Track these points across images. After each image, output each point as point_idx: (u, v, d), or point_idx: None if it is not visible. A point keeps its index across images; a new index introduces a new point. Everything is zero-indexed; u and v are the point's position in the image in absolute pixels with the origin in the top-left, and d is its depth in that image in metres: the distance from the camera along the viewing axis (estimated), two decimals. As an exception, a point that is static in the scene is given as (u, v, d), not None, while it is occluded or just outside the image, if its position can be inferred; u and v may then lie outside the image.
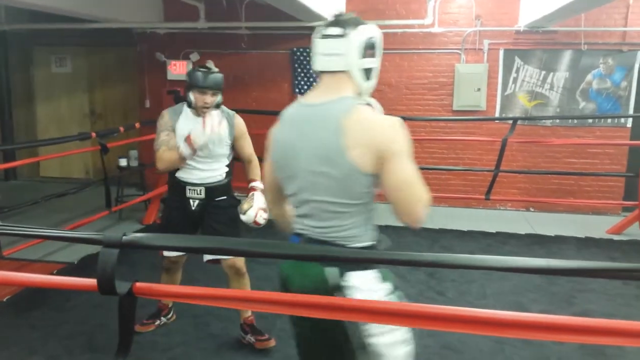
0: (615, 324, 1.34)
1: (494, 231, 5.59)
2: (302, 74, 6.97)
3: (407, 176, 1.69)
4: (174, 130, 3.03)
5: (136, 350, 2.87)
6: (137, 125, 5.75)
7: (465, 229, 5.80)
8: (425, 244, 5.34)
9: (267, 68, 7.16)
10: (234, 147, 3.18)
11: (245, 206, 2.89)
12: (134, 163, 6.33)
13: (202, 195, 3.12)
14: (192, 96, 3.02)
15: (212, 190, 3.13)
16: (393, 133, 1.64)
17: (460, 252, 5.03)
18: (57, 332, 3.42)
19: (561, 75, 6.47)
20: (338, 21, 1.76)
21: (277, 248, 1.49)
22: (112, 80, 7.91)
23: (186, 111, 3.09)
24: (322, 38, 1.75)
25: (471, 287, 4.21)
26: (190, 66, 7.20)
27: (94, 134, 5.06)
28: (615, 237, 5.59)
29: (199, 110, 3.03)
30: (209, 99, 3.01)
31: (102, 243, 1.38)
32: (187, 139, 2.91)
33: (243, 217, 2.88)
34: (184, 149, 2.92)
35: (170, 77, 7.25)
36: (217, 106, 3.07)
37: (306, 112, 1.75)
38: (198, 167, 3.09)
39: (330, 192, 1.65)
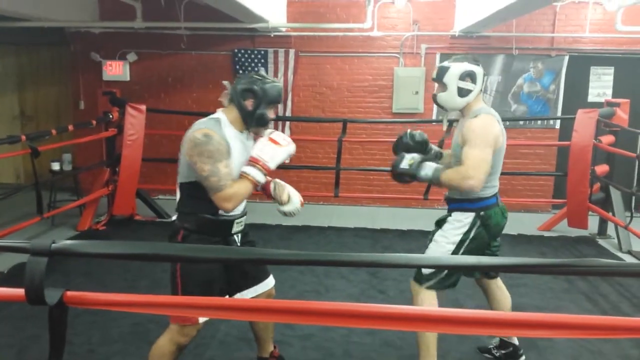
0: (545, 317, 1.40)
1: (431, 230, 5.73)
2: (244, 76, 6.91)
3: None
4: (230, 156, 2.38)
5: (71, 362, 2.76)
6: (71, 127, 5.52)
7: (405, 228, 5.93)
8: (367, 244, 5.42)
9: (208, 69, 7.06)
10: None
11: (284, 196, 2.58)
12: (68, 167, 6.10)
13: (243, 226, 2.62)
14: (268, 113, 2.47)
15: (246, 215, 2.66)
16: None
17: (400, 251, 5.14)
18: (-16, 346, 3.24)
19: (494, 79, 6.73)
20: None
21: (223, 252, 1.47)
22: (44, 80, 7.58)
23: (227, 129, 2.43)
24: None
25: (411, 285, 4.30)
26: (128, 67, 7.01)
27: (24, 137, 4.83)
28: (546, 234, 5.87)
29: (261, 129, 2.53)
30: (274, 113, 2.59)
31: (30, 251, 1.33)
32: (256, 163, 2.41)
33: (287, 208, 2.57)
34: (258, 176, 2.40)
35: (105, 77, 7.03)
36: None
37: None
38: None
39: None
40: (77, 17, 6.60)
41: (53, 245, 1.32)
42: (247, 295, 2.62)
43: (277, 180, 2.65)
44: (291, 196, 2.60)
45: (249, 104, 2.42)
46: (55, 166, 6.00)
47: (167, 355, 2.48)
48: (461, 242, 2.75)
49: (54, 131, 5.16)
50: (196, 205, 2.45)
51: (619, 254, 5.27)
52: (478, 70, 2.73)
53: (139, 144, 5.78)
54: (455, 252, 2.75)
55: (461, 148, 2.68)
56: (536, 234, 5.86)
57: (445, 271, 2.73)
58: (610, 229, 5.74)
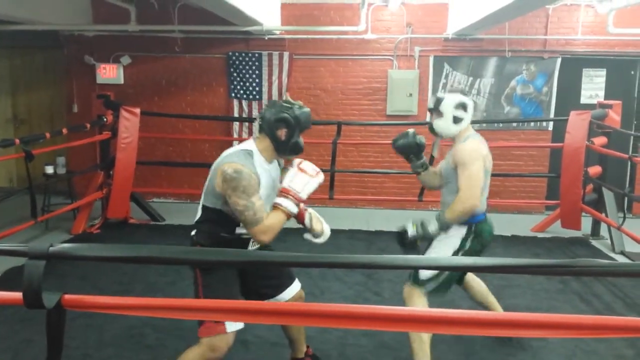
0: (540, 318, 1.42)
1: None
2: (238, 79, 6.92)
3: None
4: (259, 189, 2.40)
5: (66, 366, 2.75)
6: (65, 130, 5.50)
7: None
8: (362, 246, 5.44)
9: (202, 72, 7.06)
10: None
11: (319, 228, 2.64)
12: (62, 170, 6.06)
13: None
14: (301, 140, 2.51)
15: None
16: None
17: (395, 253, 5.14)
18: (-22, 351, 3.22)
19: (487, 81, 6.77)
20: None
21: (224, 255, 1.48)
22: (37, 83, 7.56)
23: (256, 159, 2.44)
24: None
25: (406, 287, 4.32)
26: (122, 70, 7.00)
27: (17, 141, 4.81)
28: (539, 235, 5.90)
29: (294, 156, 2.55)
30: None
31: (28, 255, 1.33)
32: (288, 193, 2.42)
33: (320, 239, 2.65)
34: (291, 207, 2.41)
35: (99, 80, 7.02)
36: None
37: None
38: None
39: None
40: (70, 20, 6.58)
41: (51, 248, 1.33)
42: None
43: (312, 211, 2.68)
44: (324, 228, 2.67)
45: (281, 133, 2.44)
46: (49, 169, 5.98)
47: None
48: (458, 249, 2.94)
49: (47, 134, 5.15)
50: (215, 226, 2.50)
51: (612, 255, 5.30)
52: (469, 101, 3.01)
53: (133, 147, 5.77)
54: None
55: (452, 169, 2.95)
56: (530, 235, 5.89)
57: (445, 275, 2.89)
58: (603, 230, 5.77)
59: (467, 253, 2.92)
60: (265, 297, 2.66)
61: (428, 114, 6.80)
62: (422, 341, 2.83)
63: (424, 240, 2.98)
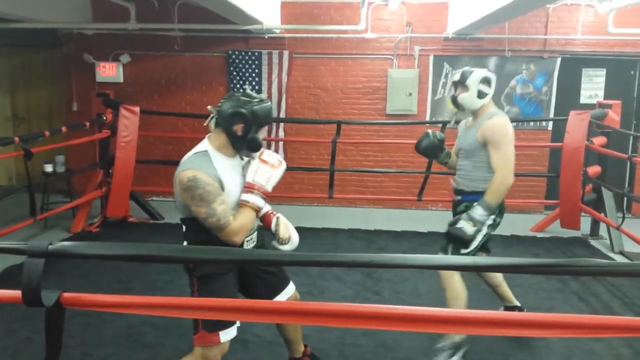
0: (539, 317, 1.42)
1: (426, 231, 5.76)
2: (238, 77, 6.92)
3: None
4: (222, 191, 2.29)
5: (65, 364, 2.75)
6: (64, 129, 5.50)
7: (399, 229, 5.95)
8: (361, 245, 5.44)
9: (202, 71, 7.06)
10: None
11: (285, 235, 2.54)
12: (61, 169, 6.06)
13: (256, 241, 2.58)
14: (259, 136, 2.38)
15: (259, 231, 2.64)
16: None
17: (394, 252, 5.16)
18: (-23, 349, 3.22)
19: (487, 81, 6.76)
20: None
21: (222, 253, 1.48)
22: (37, 82, 7.55)
23: (215, 159, 2.35)
24: None
25: (405, 286, 4.32)
26: (121, 69, 6.99)
27: (17, 139, 4.81)
28: (538, 235, 5.91)
29: (252, 153, 2.44)
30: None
31: (27, 253, 1.33)
32: (252, 188, 2.34)
33: (285, 247, 2.55)
34: (257, 201, 2.34)
35: (99, 79, 7.01)
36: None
37: None
38: None
39: None
40: (70, 19, 6.58)
41: (50, 246, 1.33)
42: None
43: (281, 216, 2.59)
44: (291, 235, 2.56)
45: (238, 129, 2.33)
46: (49, 168, 5.97)
47: None
48: (491, 225, 3.15)
49: (47, 133, 5.15)
50: (201, 233, 2.34)
51: (611, 255, 5.31)
52: (493, 77, 3.21)
53: (133, 145, 5.76)
54: (488, 230, 3.16)
55: (481, 145, 3.10)
56: (529, 235, 5.89)
57: (477, 247, 3.11)
58: (603, 230, 5.78)
59: (494, 227, 3.17)
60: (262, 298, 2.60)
61: (428, 113, 6.86)
62: (456, 300, 3.08)
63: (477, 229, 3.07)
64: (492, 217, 3.13)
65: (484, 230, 3.11)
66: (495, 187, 3.03)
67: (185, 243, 2.51)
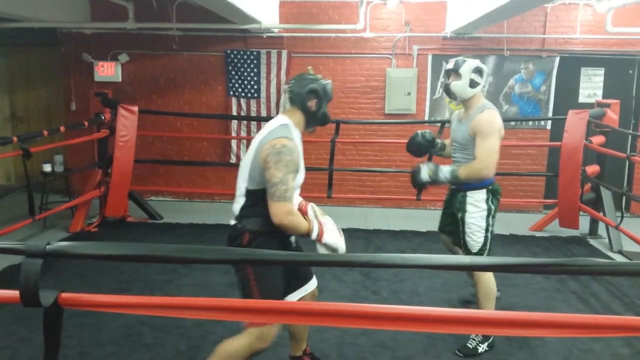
0: (537, 317, 1.42)
1: (425, 230, 5.76)
2: (237, 77, 6.92)
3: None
4: (299, 169, 2.44)
5: (64, 364, 2.75)
6: (62, 128, 5.49)
7: (397, 229, 5.95)
8: (360, 244, 5.43)
9: (200, 70, 7.05)
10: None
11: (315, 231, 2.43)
12: (59, 168, 6.06)
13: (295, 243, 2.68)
14: (328, 111, 2.59)
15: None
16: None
17: (393, 251, 5.16)
18: (-25, 349, 3.21)
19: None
20: None
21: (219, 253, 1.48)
22: (35, 81, 7.54)
23: (295, 134, 2.48)
24: None
25: (404, 285, 4.32)
26: (120, 68, 6.98)
27: (15, 138, 4.80)
28: (537, 234, 5.91)
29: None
30: None
31: (25, 253, 1.33)
32: (320, 232, 2.39)
33: (324, 248, 2.40)
34: (313, 233, 2.37)
35: (97, 78, 7.00)
36: None
37: None
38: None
39: None
40: (68, 18, 6.57)
41: (48, 246, 1.33)
42: (298, 295, 2.65)
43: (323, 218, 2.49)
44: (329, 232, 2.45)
45: (312, 104, 2.51)
46: (47, 168, 5.97)
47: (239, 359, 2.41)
48: (488, 214, 3.22)
49: (45, 132, 5.14)
50: (263, 209, 2.38)
51: (610, 254, 5.31)
52: (485, 68, 3.28)
53: (131, 145, 5.76)
54: (487, 221, 3.24)
55: (471, 138, 3.17)
56: (527, 234, 5.90)
57: (489, 238, 3.24)
58: (601, 229, 5.78)
59: (493, 212, 3.23)
60: (293, 289, 2.63)
61: (427, 112, 6.86)
62: (489, 299, 3.21)
63: (434, 185, 3.29)
64: (484, 202, 3.21)
65: (484, 223, 3.23)
66: (469, 170, 3.15)
67: (236, 221, 2.49)
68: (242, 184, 2.48)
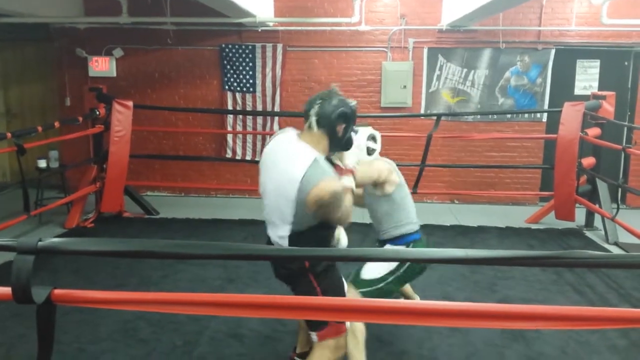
0: (533, 309, 1.42)
1: (421, 223, 5.74)
2: (232, 71, 6.89)
3: None
4: None
5: (60, 360, 2.74)
6: (57, 124, 5.46)
7: (395, 222, 5.94)
8: (356, 238, 5.42)
9: (195, 64, 7.02)
10: None
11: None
12: (55, 164, 6.03)
13: None
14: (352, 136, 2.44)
15: None
16: None
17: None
18: (-29, 346, 3.21)
19: (481, 73, 6.75)
20: None
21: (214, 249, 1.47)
22: (29, 77, 7.49)
23: (324, 162, 2.28)
24: None
25: (401, 279, 4.32)
26: (114, 63, 6.95)
27: (9, 134, 4.78)
28: (533, 226, 5.92)
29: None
30: None
31: (16, 249, 1.31)
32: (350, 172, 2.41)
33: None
34: (348, 182, 2.38)
35: (92, 73, 6.97)
36: None
37: None
38: None
39: None
40: (61, 13, 6.52)
41: (39, 243, 1.32)
42: None
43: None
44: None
45: (340, 129, 2.31)
46: (42, 163, 5.94)
47: None
48: (393, 271, 2.64)
49: (40, 128, 5.11)
50: (314, 235, 2.23)
51: (606, 246, 5.33)
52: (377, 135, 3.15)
53: (127, 140, 5.73)
54: (385, 277, 2.67)
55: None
56: (524, 227, 5.90)
57: (384, 285, 2.69)
58: (597, 221, 5.79)
59: (407, 272, 2.64)
60: None
61: (423, 105, 6.85)
62: (357, 342, 2.70)
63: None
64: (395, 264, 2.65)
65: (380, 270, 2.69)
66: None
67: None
68: (284, 227, 2.29)
